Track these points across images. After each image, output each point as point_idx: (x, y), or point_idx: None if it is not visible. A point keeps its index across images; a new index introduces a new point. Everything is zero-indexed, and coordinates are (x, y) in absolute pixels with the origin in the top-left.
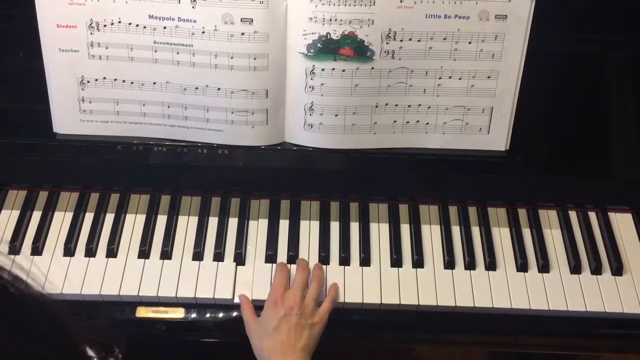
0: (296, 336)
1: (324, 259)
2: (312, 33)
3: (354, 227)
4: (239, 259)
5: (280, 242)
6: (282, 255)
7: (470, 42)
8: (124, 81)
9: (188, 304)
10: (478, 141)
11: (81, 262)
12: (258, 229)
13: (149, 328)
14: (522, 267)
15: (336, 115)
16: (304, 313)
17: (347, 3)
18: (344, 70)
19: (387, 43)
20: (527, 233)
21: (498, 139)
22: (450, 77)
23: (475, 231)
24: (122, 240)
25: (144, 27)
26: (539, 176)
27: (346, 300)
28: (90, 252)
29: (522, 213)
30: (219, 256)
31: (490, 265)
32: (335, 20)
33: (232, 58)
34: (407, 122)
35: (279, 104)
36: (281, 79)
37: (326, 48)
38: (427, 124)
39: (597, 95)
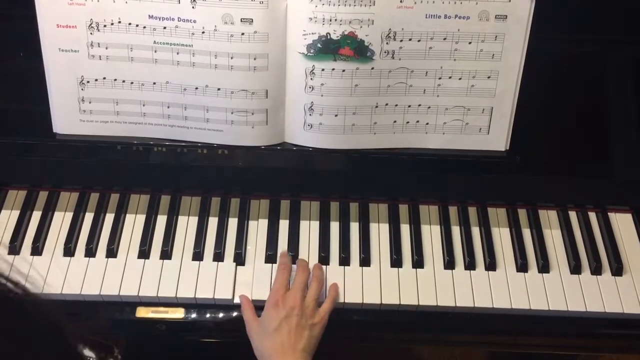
0: (297, 337)
1: (324, 259)
2: (312, 33)
3: (354, 227)
4: (239, 259)
5: (280, 242)
6: None
7: (470, 42)
8: (123, 81)
9: (188, 304)
10: (478, 141)
11: (81, 262)
12: (258, 229)
13: (149, 328)
14: (522, 267)
15: (336, 116)
16: (304, 313)
17: (347, 3)
18: (344, 71)
19: (387, 43)
20: (527, 233)
21: (498, 139)
22: (450, 77)
23: (475, 231)
24: (122, 240)
25: (144, 27)
26: (539, 176)
27: (346, 301)
28: (90, 252)
29: (522, 213)
30: (219, 256)
31: (490, 265)
32: (335, 20)
33: (232, 58)
34: (407, 122)
35: (278, 104)
36: (281, 79)
37: (326, 48)
38: (427, 124)
39: (597, 95)
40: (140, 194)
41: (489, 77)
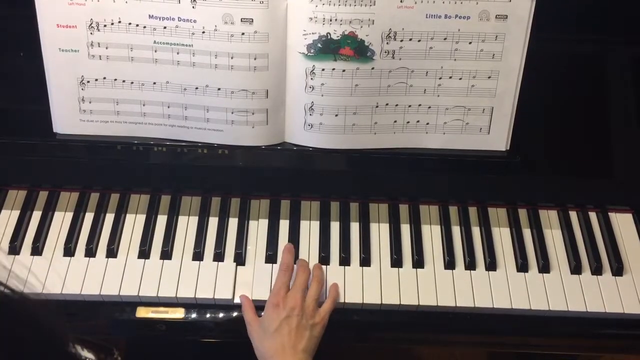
0: (297, 337)
1: (324, 259)
2: (312, 33)
3: (354, 227)
4: (239, 259)
5: (281, 242)
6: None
7: (470, 42)
8: (124, 81)
9: (188, 304)
10: (478, 141)
11: (81, 262)
12: (258, 229)
13: (149, 328)
14: (522, 267)
15: (336, 115)
16: (305, 314)
17: (347, 3)
18: (344, 70)
19: (387, 43)
20: (527, 233)
21: (498, 139)
22: (450, 77)
23: (476, 231)
24: (122, 240)
25: (144, 27)
26: (539, 176)
27: (346, 301)
28: (90, 252)
29: (523, 213)
30: (219, 256)
31: (491, 265)
32: (336, 20)
33: (232, 58)
34: (408, 122)
35: (279, 104)
36: (281, 79)
37: (326, 48)
38: (428, 124)
39: (598, 95)
40: (140, 194)
41: (489, 77)
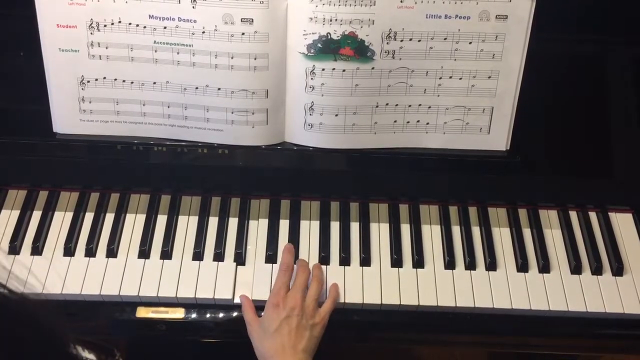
0: (297, 337)
1: (324, 259)
2: (313, 33)
3: (354, 227)
4: (239, 259)
5: (281, 242)
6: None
7: (470, 42)
8: (124, 81)
9: (188, 304)
10: (478, 141)
11: (81, 262)
12: (258, 229)
13: (149, 328)
14: (522, 267)
15: (336, 115)
16: (305, 314)
17: (347, 3)
18: (344, 70)
19: (387, 43)
20: (527, 233)
21: (498, 139)
22: (450, 77)
23: (476, 231)
24: (122, 240)
25: (144, 27)
26: (540, 176)
27: (346, 301)
28: (90, 252)
29: (523, 213)
30: (219, 256)
31: (491, 265)
32: (336, 20)
33: (232, 58)
34: (408, 122)
35: (279, 104)
36: (281, 79)
37: (326, 48)
38: (428, 123)
39: (598, 95)
40: (140, 193)
41: (489, 77)
